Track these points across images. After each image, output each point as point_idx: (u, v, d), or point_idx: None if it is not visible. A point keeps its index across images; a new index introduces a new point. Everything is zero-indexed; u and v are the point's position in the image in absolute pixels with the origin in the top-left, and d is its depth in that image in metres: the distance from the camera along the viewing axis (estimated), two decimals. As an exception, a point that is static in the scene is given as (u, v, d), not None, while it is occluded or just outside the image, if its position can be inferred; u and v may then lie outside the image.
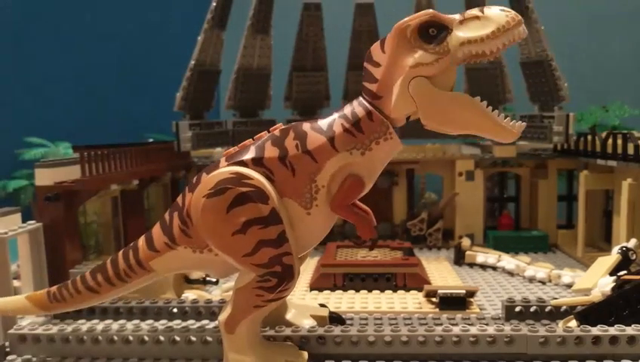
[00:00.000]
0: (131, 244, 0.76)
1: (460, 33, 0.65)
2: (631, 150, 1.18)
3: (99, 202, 1.25)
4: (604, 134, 1.33)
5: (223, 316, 0.70)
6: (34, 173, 1.04)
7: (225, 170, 0.69)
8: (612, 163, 1.25)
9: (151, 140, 1.69)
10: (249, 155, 0.70)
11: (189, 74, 1.49)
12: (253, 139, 0.73)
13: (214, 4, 1.50)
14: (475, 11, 0.66)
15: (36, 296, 0.78)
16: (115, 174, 1.21)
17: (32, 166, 1.26)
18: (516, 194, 1.62)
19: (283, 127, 0.72)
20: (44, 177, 1.03)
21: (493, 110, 0.66)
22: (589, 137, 1.38)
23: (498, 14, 0.64)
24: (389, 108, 0.69)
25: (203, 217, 0.68)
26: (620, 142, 1.23)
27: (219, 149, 1.68)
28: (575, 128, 1.44)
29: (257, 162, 0.70)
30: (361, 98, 0.71)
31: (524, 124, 0.68)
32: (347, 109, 0.71)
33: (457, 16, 0.67)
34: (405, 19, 0.68)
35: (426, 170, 1.59)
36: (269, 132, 0.73)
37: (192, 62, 1.49)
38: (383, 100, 0.69)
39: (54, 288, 0.78)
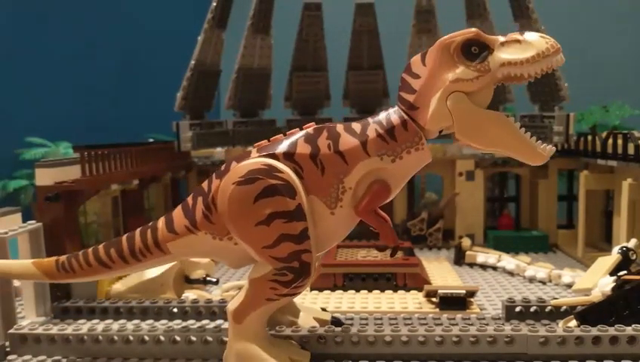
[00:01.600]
0: (150, 224, 0.76)
1: (502, 54, 0.68)
2: (631, 150, 1.18)
3: (99, 202, 1.24)
4: (604, 134, 1.33)
5: (233, 305, 0.71)
6: (34, 172, 1.04)
7: (257, 161, 0.70)
8: (612, 163, 1.25)
9: (151, 140, 1.69)
10: (281, 149, 0.71)
11: (189, 74, 1.49)
12: (285, 135, 0.73)
13: (214, 4, 1.50)
14: (516, 35, 0.69)
15: (43, 263, 0.78)
16: (115, 174, 1.21)
17: (32, 166, 1.26)
18: (516, 194, 1.62)
19: (316, 125, 0.73)
20: (44, 177, 1.03)
21: (525, 132, 0.68)
22: (590, 137, 1.38)
23: (538, 40, 0.67)
24: (424, 119, 0.70)
25: (229, 204, 0.69)
26: (620, 142, 1.23)
27: (219, 149, 1.69)
28: (575, 128, 1.45)
29: (288, 157, 0.70)
30: (397, 107, 0.72)
31: (554, 148, 0.70)
32: (382, 115, 0.72)
33: (500, 38, 0.69)
34: (450, 35, 0.70)
35: (426, 170, 1.57)
36: (301, 129, 0.73)
37: (192, 62, 1.49)
38: (419, 111, 0.70)
39: (64, 257, 0.78)
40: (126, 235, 0.77)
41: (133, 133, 1.80)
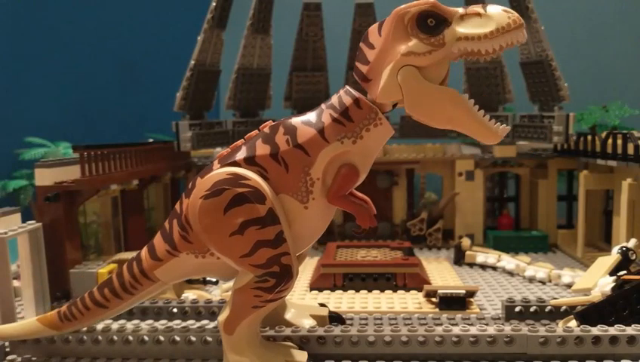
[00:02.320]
0: (134, 256, 0.76)
1: (459, 28, 0.65)
2: (631, 150, 1.18)
3: (99, 202, 1.24)
4: (604, 134, 1.33)
5: (222, 316, 0.70)
6: (34, 173, 1.04)
7: (221, 171, 0.69)
8: (612, 163, 1.25)
9: (151, 140, 1.69)
10: (241, 155, 0.70)
11: (189, 74, 1.49)
12: (245, 139, 0.73)
13: (214, 4, 1.50)
14: (477, 8, 0.65)
15: (47, 318, 0.78)
16: (115, 174, 1.21)
17: (32, 166, 1.26)
18: (516, 194, 1.62)
19: (272, 123, 0.72)
20: (44, 177, 1.03)
21: (479, 109, 0.66)
22: (589, 137, 1.38)
23: (500, 14, 0.64)
24: (375, 92, 0.68)
25: (200, 219, 0.68)
26: (619, 142, 1.23)
27: (219, 149, 1.68)
28: (575, 128, 1.45)
29: (250, 161, 0.70)
30: (347, 87, 0.71)
31: (509, 127, 0.67)
32: (334, 99, 0.71)
33: (460, 10, 0.66)
34: (405, 5, 0.67)
35: (426, 170, 1.59)
36: (259, 130, 0.72)
37: (192, 62, 1.49)
38: (371, 83, 0.69)
39: (64, 307, 0.78)
40: (115, 272, 0.76)
41: (134, 133, 1.80)
